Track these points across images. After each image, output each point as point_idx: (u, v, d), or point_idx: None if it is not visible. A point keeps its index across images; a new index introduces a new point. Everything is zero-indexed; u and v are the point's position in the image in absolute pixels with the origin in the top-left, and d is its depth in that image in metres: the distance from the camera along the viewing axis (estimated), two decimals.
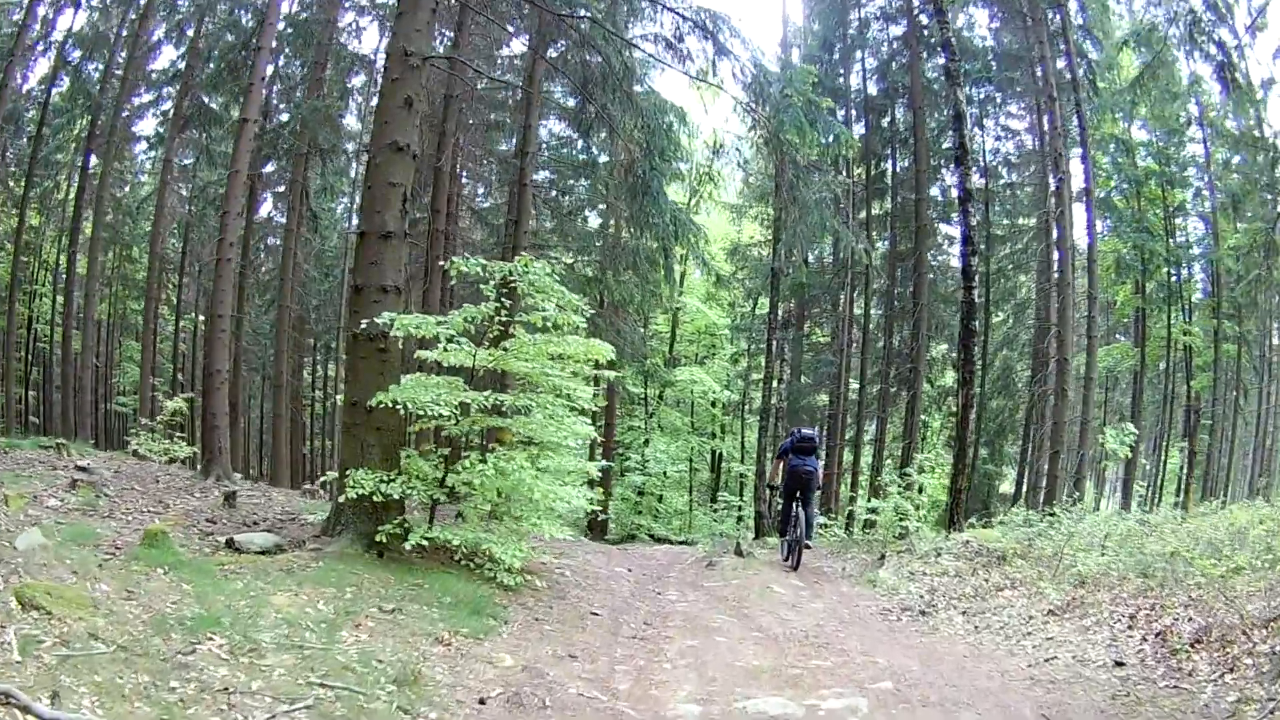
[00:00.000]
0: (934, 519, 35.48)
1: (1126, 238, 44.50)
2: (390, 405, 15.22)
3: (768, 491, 29.17)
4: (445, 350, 16.45)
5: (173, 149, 40.25)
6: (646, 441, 49.34)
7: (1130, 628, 13.25)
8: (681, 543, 39.27)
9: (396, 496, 15.60)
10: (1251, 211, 41.98)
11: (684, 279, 54.04)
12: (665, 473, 49.64)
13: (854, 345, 44.76)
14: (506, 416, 16.86)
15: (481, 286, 16.20)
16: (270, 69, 34.83)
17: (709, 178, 45.14)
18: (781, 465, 22.01)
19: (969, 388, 25.54)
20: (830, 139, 30.50)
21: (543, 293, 16.58)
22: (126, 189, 49.84)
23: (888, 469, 38.28)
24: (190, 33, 38.22)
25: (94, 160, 40.73)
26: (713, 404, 51.79)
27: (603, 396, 42.78)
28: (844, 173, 41.38)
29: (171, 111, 40.39)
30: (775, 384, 41.57)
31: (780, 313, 41.59)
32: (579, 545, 25.46)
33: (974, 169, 25.70)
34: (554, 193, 41.18)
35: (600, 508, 35.22)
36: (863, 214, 42.39)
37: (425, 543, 15.14)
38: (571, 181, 40.84)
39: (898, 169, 45.00)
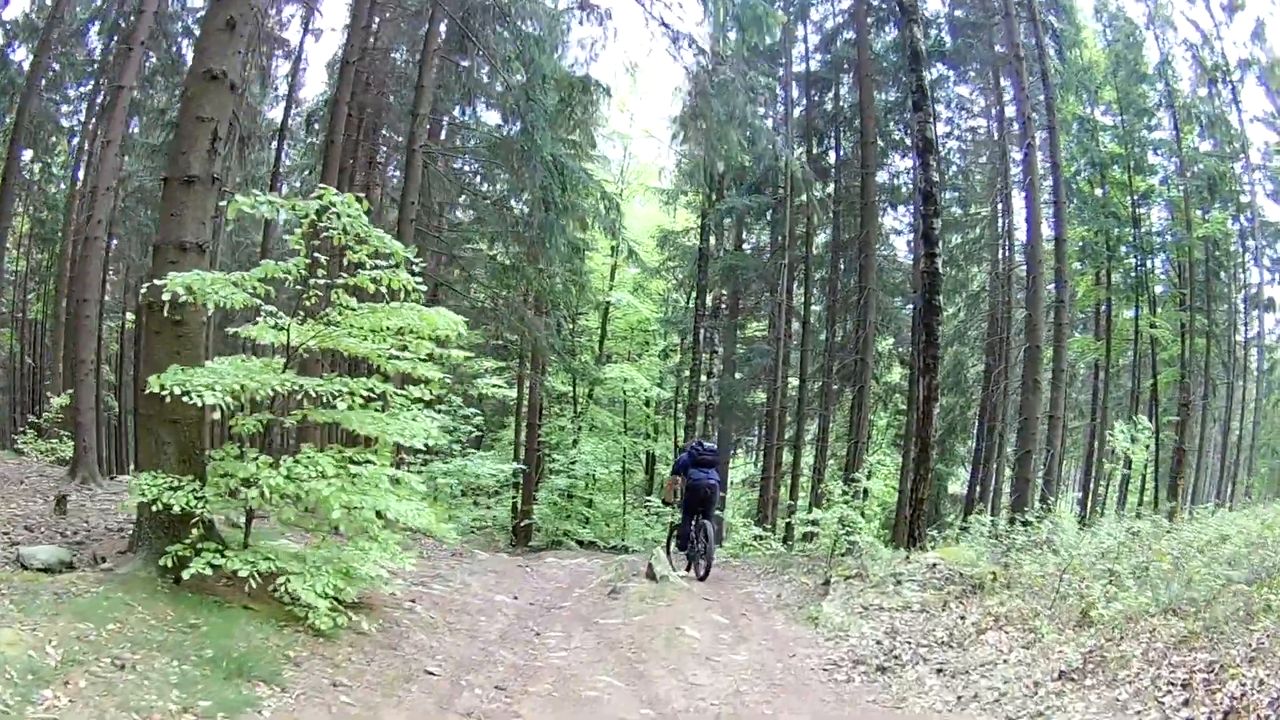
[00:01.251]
0: (882, 526, 34.08)
1: (1093, 223, 41.97)
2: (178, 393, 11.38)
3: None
4: (263, 325, 13.21)
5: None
6: (574, 442, 45.54)
7: (1186, 702, 9.25)
8: (611, 548, 37.21)
9: (180, 508, 11.62)
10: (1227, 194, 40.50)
11: (615, 273, 50.20)
12: (594, 475, 45.92)
13: (794, 339, 39.98)
14: (330, 408, 13.09)
15: (288, 238, 12.64)
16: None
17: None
18: (680, 480, 21.03)
19: (931, 375, 21.35)
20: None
21: (366, 244, 12.66)
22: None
23: (830, 471, 35.60)
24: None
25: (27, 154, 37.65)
26: (646, 403, 48.39)
27: (516, 392, 41.26)
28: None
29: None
30: (705, 378, 39.14)
31: (710, 299, 39.03)
32: (469, 562, 22.20)
33: (933, 119, 21.55)
34: (478, 179, 38.67)
35: (521, 514, 38.32)
36: (803, 196, 37.56)
37: (210, 570, 11.40)
38: (498, 171, 37.01)
39: (841, 153, 40.88)
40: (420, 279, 12.80)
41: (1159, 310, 43.20)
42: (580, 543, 40.38)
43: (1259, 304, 44.91)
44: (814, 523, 23.72)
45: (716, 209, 36.64)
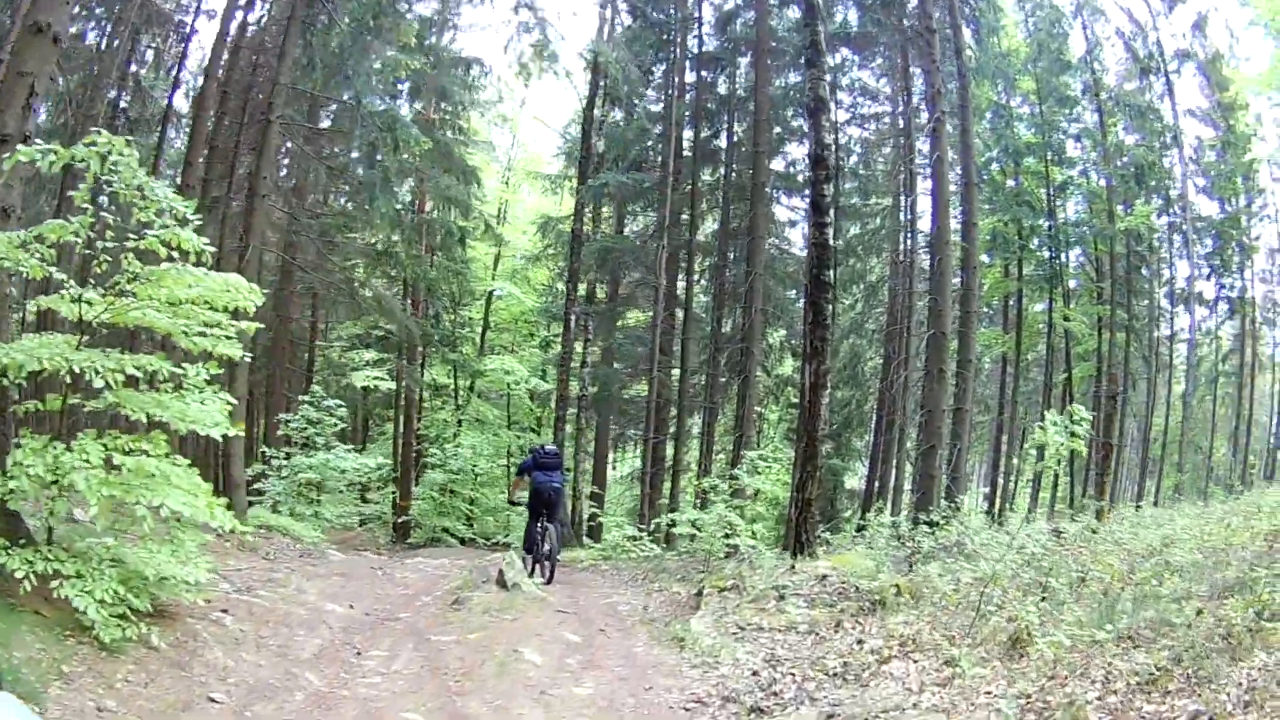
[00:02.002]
0: (775, 526, 32.88)
1: (1005, 212, 40.86)
2: None
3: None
4: (61, 297, 11.36)
5: None
6: (454, 436, 43.24)
7: None
8: (493, 545, 34.95)
9: None
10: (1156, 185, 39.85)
11: (499, 262, 48.28)
12: (475, 470, 43.78)
13: (676, 328, 37.71)
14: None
15: (74, 195, 10.60)
16: None
17: None
18: (525, 482, 20.84)
19: (819, 360, 18.85)
20: None
21: (152, 201, 10.71)
22: None
23: (719, 467, 33.17)
24: None
25: None
26: (530, 396, 45.97)
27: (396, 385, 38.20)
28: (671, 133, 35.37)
29: None
30: (579, 367, 36.34)
31: (585, 285, 36.79)
32: (318, 563, 20.22)
33: (825, 76, 19.06)
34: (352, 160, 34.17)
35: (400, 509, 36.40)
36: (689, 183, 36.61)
37: None
38: (379, 157, 32.90)
39: (734, 138, 38.58)
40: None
41: (1073, 304, 42.19)
42: (461, 540, 38.47)
43: (1186, 298, 43.94)
44: (693, 524, 21.45)
45: (590, 186, 33.78)
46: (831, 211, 19.86)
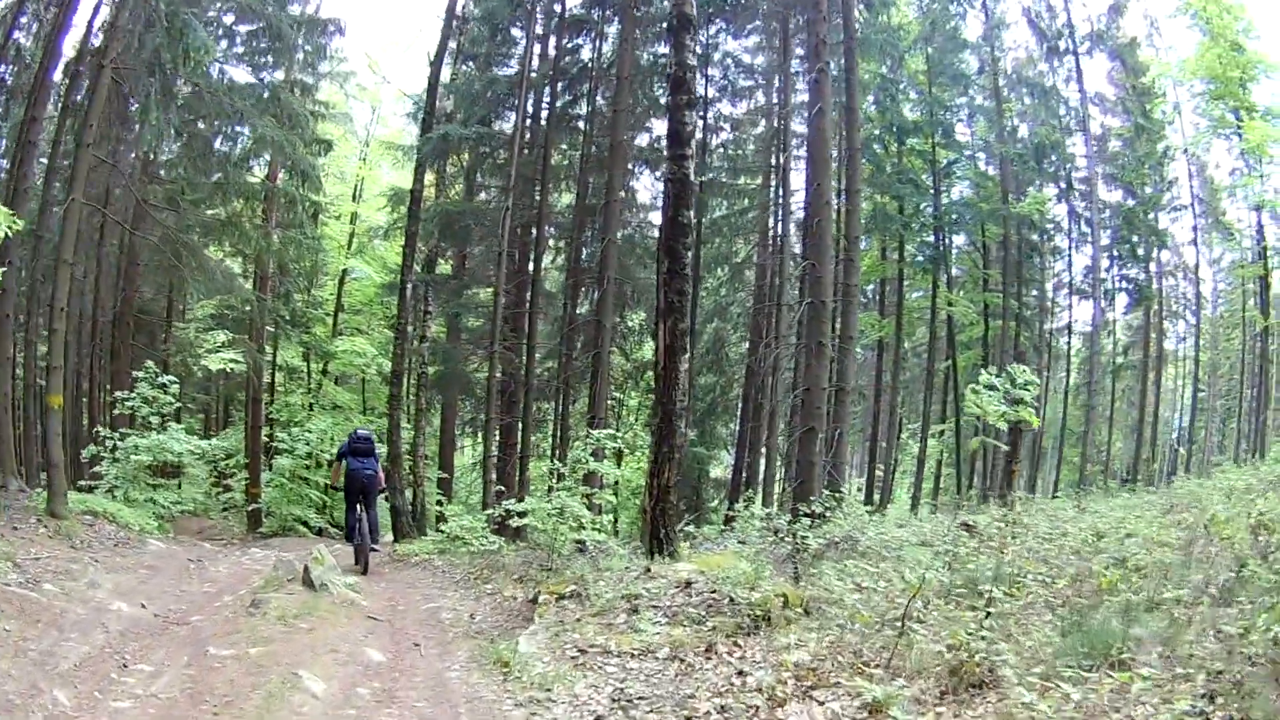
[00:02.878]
0: (636, 518, 29.75)
1: (888, 190, 39.28)
2: None
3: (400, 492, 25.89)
4: None
5: None
6: (300, 422, 40.35)
7: None
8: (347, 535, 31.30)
9: None
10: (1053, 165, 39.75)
11: (353, 240, 45.17)
12: (328, 456, 39.42)
13: (525, 307, 34.64)
14: None
15: None
16: None
17: None
18: (341, 468, 20.09)
19: (676, 317, 16.63)
20: None
21: None
22: None
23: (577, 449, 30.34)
24: None
25: None
26: (384, 379, 41.64)
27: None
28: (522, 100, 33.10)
29: None
30: (418, 342, 33.51)
31: (426, 254, 34.56)
32: (131, 553, 18.27)
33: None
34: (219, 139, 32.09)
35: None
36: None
37: None
38: (238, 128, 31.68)
39: (594, 106, 35.82)
40: None
41: (957, 291, 41.23)
42: (315, 529, 36.84)
43: (1089, 287, 42.68)
44: (523, 515, 18.75)
45: (430, 139, 30.63)
46: (692, 144, 17.48)
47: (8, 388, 21.12)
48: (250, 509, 34.16)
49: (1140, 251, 42.06)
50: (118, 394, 26.84)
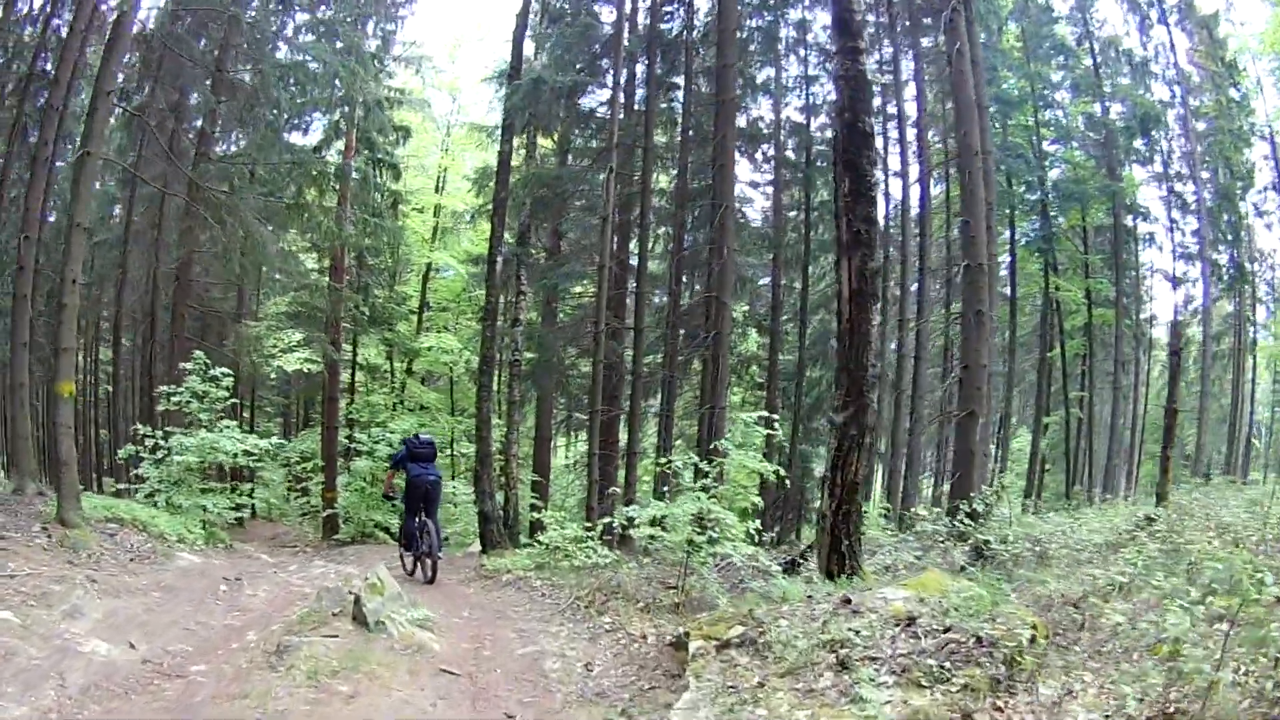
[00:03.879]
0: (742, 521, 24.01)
1: (999, 164, 33.49)
2: None
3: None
4: None
5: None
6: (383, 422, 36.16)
7: None
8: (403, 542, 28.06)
9: None
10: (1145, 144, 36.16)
11: (438, 234, 41.50)
12: None
13: (629, 288, 30.31)
14: None
15: None
16: None
17: None
18: (400, 475, 17.99)
19: (865, 253, 11.91)
20: None
21: None
22: None
23: (679, 450, 26.48)
24: None
25: None
26: (474, 377, 37.44)
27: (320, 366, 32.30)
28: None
29: None
30: (510, 325, 26.95)
31: (519, 224, 28.82)
32: (151, 567, 14.74)
33: None
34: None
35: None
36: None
37: None
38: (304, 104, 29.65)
39: (693, 85, 30.15)
40: None
41: (1059, 276, 36.63)
42: (393, 536, 31.12)
43: (1202, 267, 38.26)
44: (656, 524, 14.07)
45: (519, 87, 25.13)
46: (865, 36, 13.68)
47: (24, 377, 18.03)
48: (325, 515, 30.83)
49: (1230, 235, 38.15)
50: (162, 388, 22.77)
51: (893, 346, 32.35)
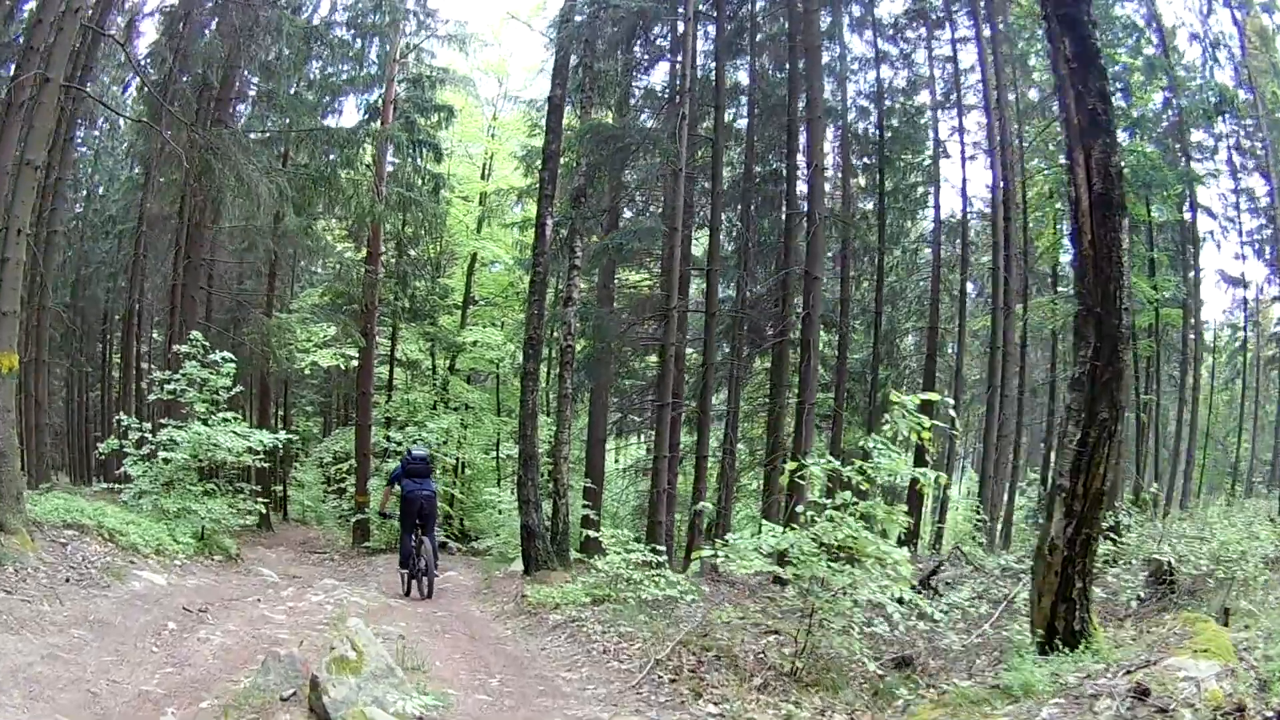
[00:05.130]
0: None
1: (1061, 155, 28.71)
2: None
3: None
4: None
5: None
6: (421, 421, 32.23)
7: None
8: (470, 547, 27.33)
9: None
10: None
11: (483, 223, 36.71)
12: (458, 459, 34.64)
13: (686, 288, 24.10)
14: None
15: None
16: None
17: None
18: (394, 492, 16.76)
19: (1106, 143, 7.87)
20: None
21: None
22: None
23: (742, 458, 26.01)
24: None
25: None
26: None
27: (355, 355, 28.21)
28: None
29: None
30: (562, 305, 21.11)
31: (572, 187, 22.74)
32: (80, 594, 10.93)
33: None
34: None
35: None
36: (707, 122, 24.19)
37: None
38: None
39: (756, 65, 26.59)
40: None
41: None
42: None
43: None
44: (778, 557, 9.59)
45: (572, 6, 20.38)
46: None
47: None
48: (356, 519, 27.49)
49: None
50: (155, 374, 19.19)
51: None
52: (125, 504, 16.49)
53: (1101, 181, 7.37)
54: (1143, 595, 10.11)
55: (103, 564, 12.24)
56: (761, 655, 8.66)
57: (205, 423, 17.33)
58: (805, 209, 21.60)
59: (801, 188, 24.53)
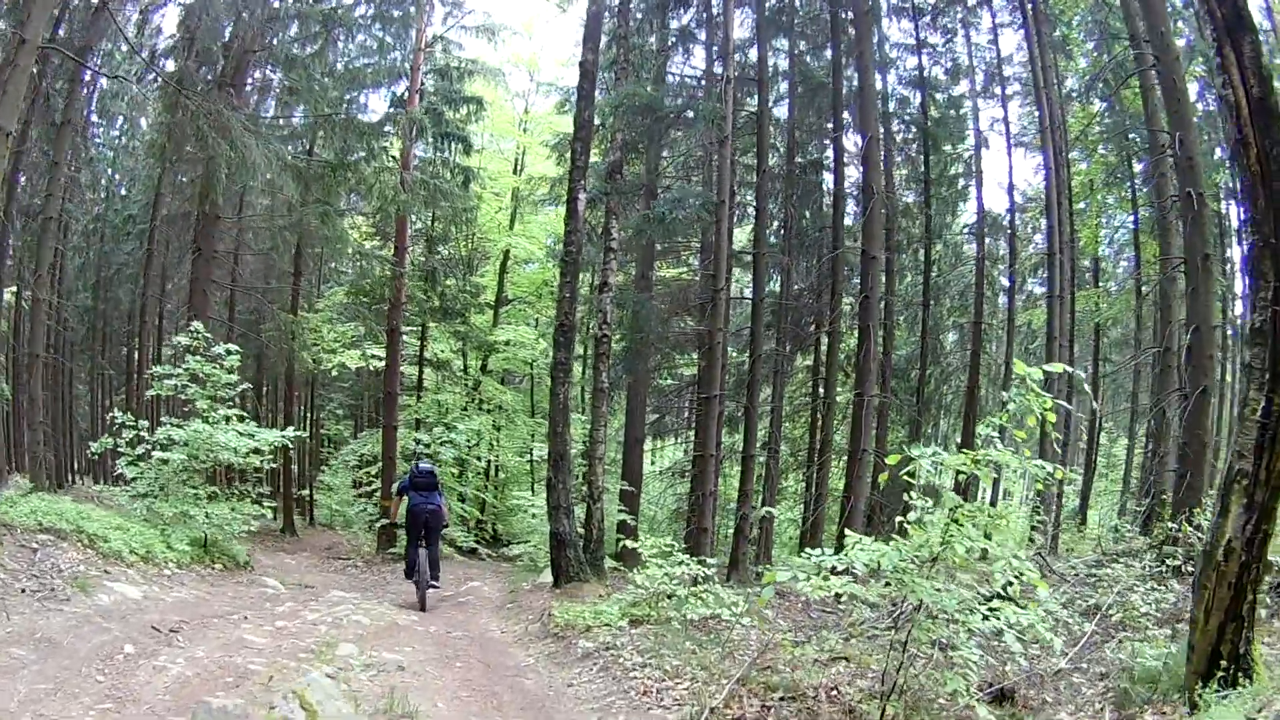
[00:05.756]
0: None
1: (1111, 141, 26.95)
2: None
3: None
4: None
5: None
6: (450, 423, 30.47)
7: None
8: (502, 552, 27.66)
9: None
10: None
11: (515, 219, 35.42)
12: (492, 462, 34.24)
13: (730, 273, 21.66)
14: None
15: None
16: None
17: None
18: (401, 503, 15.94)
19: (1253, 40, 6.09)
20: None
21: None
22: None
23: (784, 457, 24.25)
24: None
25: None
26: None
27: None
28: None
29: None
30: (598, 290, 18.70)
31: (607, 158, 20.38)
32: (27, 609, 9.16)
33: None
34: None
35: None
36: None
37: None
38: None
39: (796, 49, 24.90)
40: None
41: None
42: (462, 549, 28.33)
43: None
44: (847, 570, 6.84)
45: None
46: None
47: None
48: (381, 525, 25.54)
49: None
50: (154, 369, 17.48)
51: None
52: (120, 507, 15.45)
53: (1258, 84, 5.61)
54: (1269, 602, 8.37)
55: (72, 573, 10.78)
56: (834, 691, 6.84)
57: (207, 420, 15.73)
58: (861, 183, 20.46)
59: (850, 172, 23.53)
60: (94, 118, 29.13)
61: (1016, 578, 6.03)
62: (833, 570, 6.67)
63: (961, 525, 6.11)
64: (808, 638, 8.63)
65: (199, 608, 11.42)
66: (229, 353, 16.59)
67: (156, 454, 15.32)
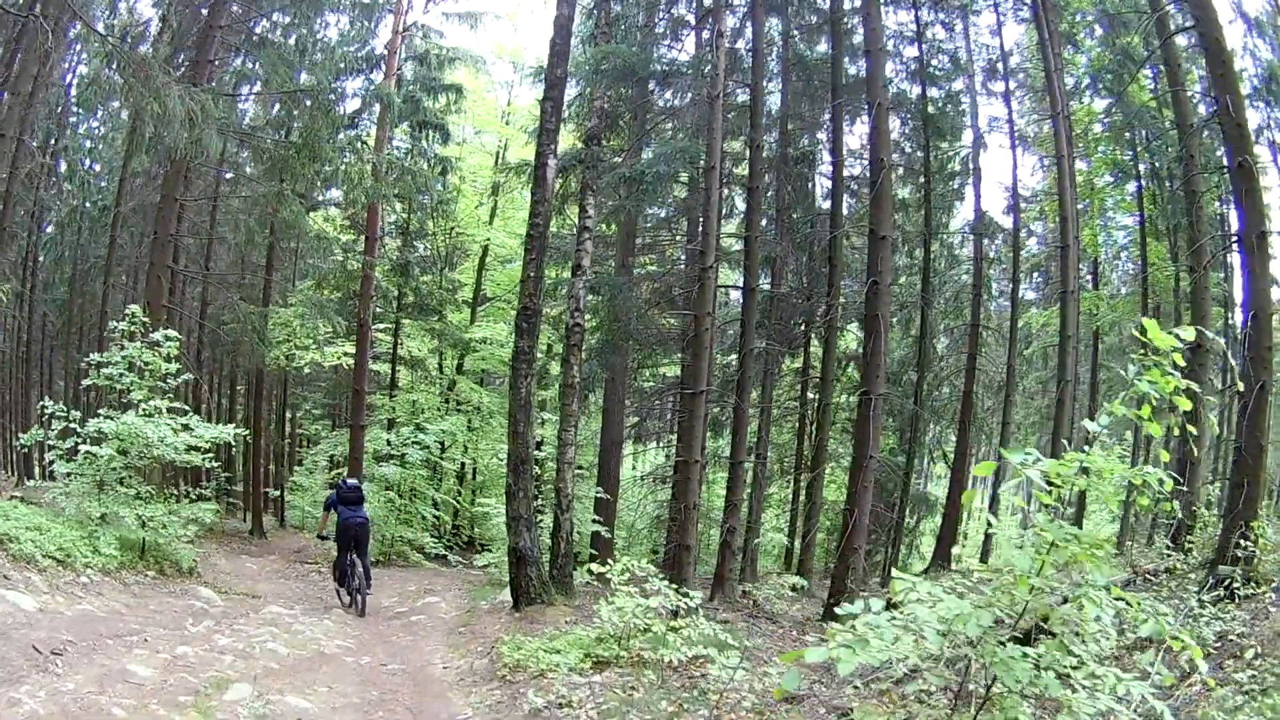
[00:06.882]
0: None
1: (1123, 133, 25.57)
2: None
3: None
4: None
5: None
6: (421, 424, 28.79)
7: None
8: (478, 561, 22.76)
9: None
10: None
11: (495, 215, 33.93)
12: (467, 462, 32.66)
13: (719, 251, 19.35)
14: None
15: None
16: None
17: None
18: (331, 517, 16.17)
19: None
20: None
21: None
22: None
23: (771, 463, 23.31)
24: None
25: None
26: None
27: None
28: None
29: None
30: (571, 270, 16.82)
31: (587, 123, 18.69)
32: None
33: None
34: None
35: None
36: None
37: None
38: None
39: (791, 29, 23.06)
40: None
41: None
42: (430, 555, 26.44)
43: None
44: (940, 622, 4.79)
45: None
46: None
47: None
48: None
49: None
50: (92, 356, 15.46)
51: None
52: (51, 505, 14.17)
53: None
54: None
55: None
56: None
57: (147, 414, 14.11)
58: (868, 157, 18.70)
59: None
60: (73, 105, 27.90)
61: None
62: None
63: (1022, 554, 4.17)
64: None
65: (101, 624, 9.83)
66: (167, 338, 14.73)
67: (84, 448, 13.82)
